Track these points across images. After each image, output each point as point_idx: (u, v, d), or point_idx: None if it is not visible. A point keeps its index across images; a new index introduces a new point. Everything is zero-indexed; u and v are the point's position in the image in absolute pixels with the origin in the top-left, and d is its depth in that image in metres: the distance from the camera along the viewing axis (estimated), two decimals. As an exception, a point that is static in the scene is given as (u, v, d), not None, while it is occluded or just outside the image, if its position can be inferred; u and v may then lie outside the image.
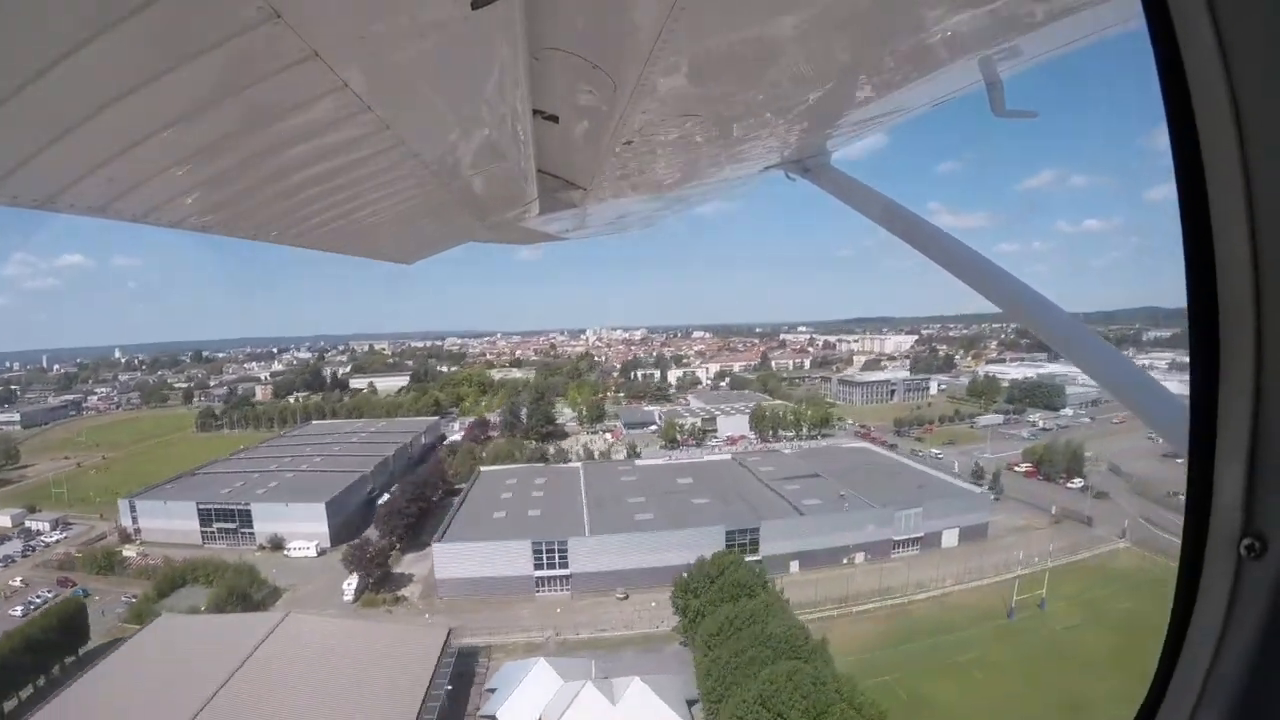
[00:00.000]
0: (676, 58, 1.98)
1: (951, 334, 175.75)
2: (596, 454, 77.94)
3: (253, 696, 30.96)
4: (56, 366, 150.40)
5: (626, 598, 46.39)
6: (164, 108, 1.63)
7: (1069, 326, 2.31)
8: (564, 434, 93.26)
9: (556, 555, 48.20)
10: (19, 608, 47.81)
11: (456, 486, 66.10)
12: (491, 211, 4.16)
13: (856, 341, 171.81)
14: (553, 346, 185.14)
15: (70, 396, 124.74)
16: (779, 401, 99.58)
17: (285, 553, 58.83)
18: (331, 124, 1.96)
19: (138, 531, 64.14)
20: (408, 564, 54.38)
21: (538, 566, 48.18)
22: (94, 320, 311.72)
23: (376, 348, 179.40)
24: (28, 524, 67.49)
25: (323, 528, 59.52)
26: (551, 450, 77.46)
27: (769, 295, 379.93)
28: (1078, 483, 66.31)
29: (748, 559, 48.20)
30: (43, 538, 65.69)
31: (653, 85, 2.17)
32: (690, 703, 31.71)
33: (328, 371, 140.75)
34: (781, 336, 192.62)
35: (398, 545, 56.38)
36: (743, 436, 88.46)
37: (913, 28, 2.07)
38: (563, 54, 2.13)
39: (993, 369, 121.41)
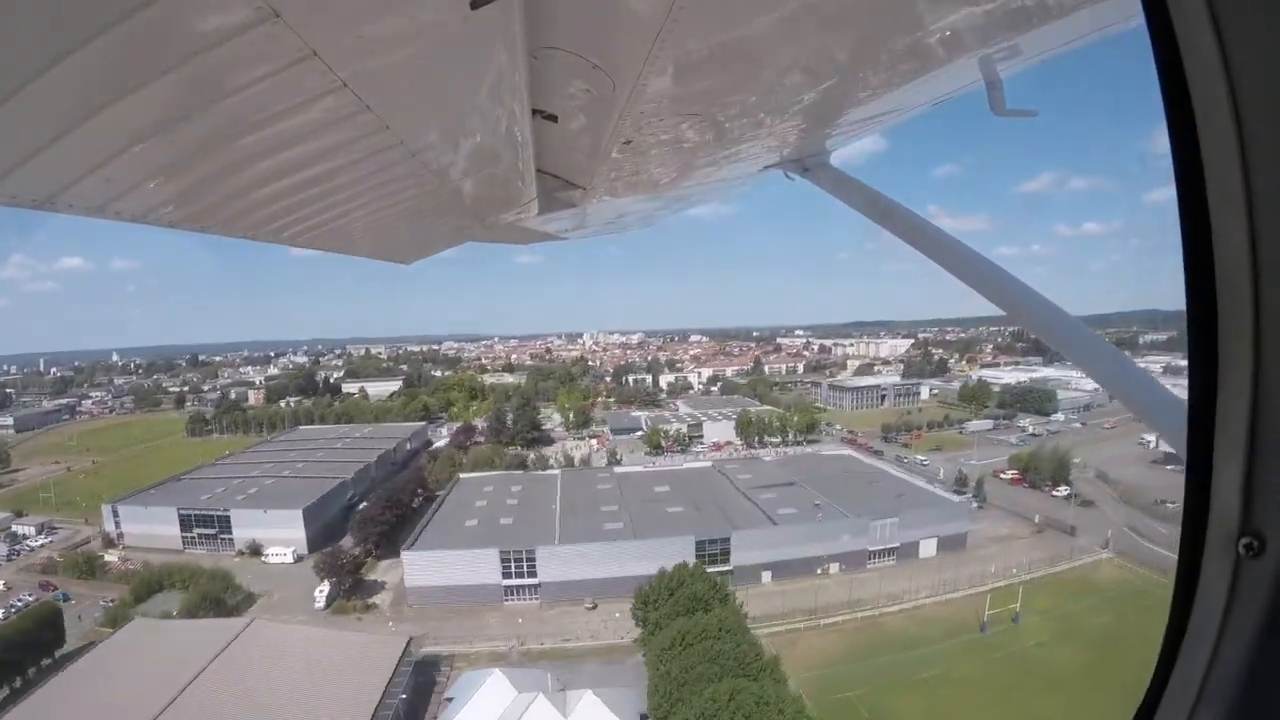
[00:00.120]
0: (676, 57, 1.97)
1: (948, 338, 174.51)
2: (577, 461, 77.57)
3: (204, 703, 31.05)
4: (53, 370, 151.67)
5: (595, 607, 45.99)
6: (163, 107, 1.62)
7: (1069, 326, 2.31)
8: (550, 440, 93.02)
9: (525, 564, 47.88)
10: (0, 611, 48.21)
11: (436, 493, 66.01)
12: (490, 211, 4.16)
13: (852, 346, 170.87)
14: (548, 350, 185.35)
15: (65, 400, 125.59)
16: (767, 407, 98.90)
17: (263, 559, 59.03)
18: (330, 124, 1.96)
19: (120, 536, 64.51)
20: (381, 571, 54.26)
21: (506, 575, 47.87)
22: (92, 323, 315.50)
23: (373, 352, 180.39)
24: (14, 528, 67.96)
25: (300, 534, 59.59)
26: (532, 457, 77.15)
27: (767, 299, 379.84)
28: (1064, 490, 65.18)
29: (719, 569, 47.86)
30: (28, 542, 66.17)
31: (652, 84, 2.17)
32: (643, 717, 31.25)
33: (322, 376, 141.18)
34: (778, 340, 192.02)
35: (374, 552, 56.38)
36: (728, 442, 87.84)
37: (912, 27, 2.06)
38: (562, 53, 2.11)
39: (986, 373, 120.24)
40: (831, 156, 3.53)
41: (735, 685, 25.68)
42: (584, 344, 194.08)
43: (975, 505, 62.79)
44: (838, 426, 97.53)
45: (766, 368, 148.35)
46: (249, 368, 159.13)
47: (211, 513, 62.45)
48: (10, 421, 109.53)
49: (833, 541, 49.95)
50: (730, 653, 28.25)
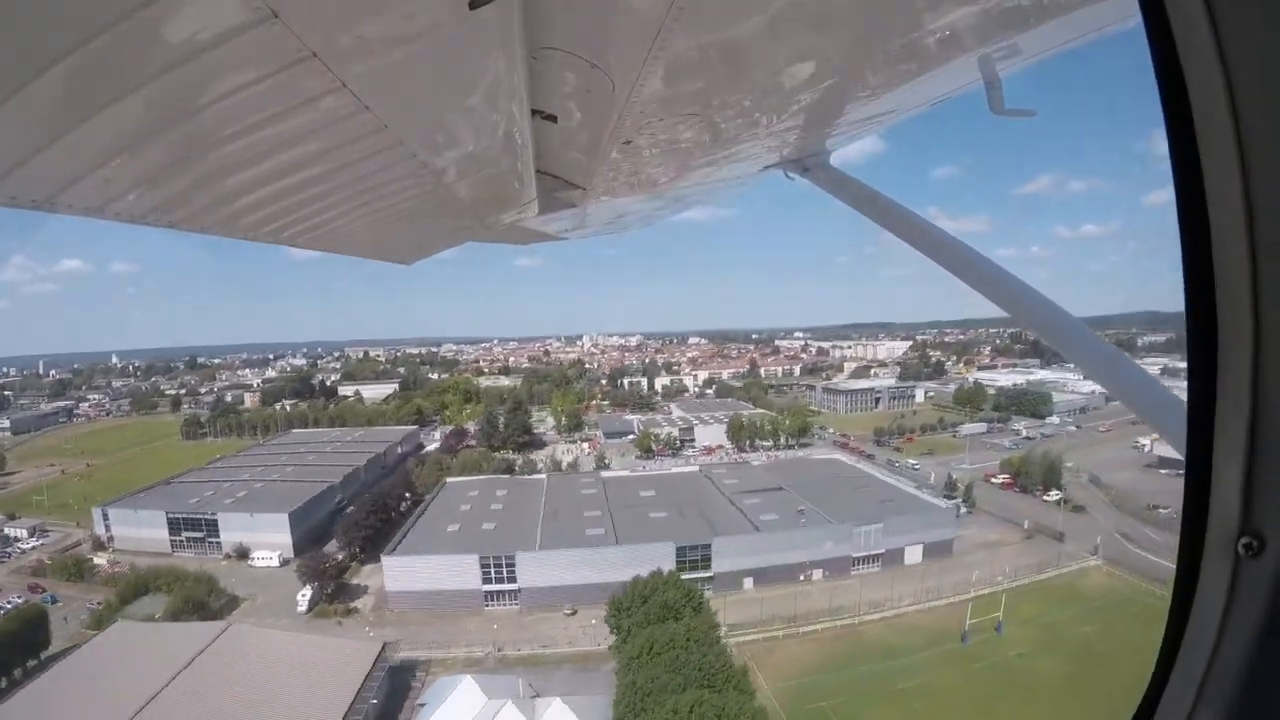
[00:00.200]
0: (675, 57, 1.97)
1: (947, 339, 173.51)
2: (565, 465, 77.35)
3: (174, 707, 31.24)
4: (53, 372, 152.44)
5: (574, 613, 45.75)
6: (162, 108, 1.62)
7: (1070, 326, 2.31)
8: (542, 443, 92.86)
9: (505, 569, 47.73)
10: (-11, 613, 48.54)
11: (423, 498, 66.01)
12: (490, 211, 4.16)
13: (849, 348, 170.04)
14: (546, 353, 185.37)
15: (62, 403, 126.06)
16: (760, 411, 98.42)
17: (249, 562, 59.18)
18: (330, 124, 1.96)
19: (110, 539, 64.87)
20: (365, 576, 54.23)
21: (486, 581, 47.74)
22: (92, 326, 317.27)
23: (371, 354, 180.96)
24: (6, 531, 68.46)
25: (286, 538, 59.71)
26: (520, 462, 76.84)
27: (767, 301, 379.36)
28: (1055, 495, 64.40)
29: (699, 576, 47.60)
30: (20, 544, 66.63)
31: (651, 85, 2.17)
32: (611, 726, 31.01)
33: (318, 379, 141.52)
34: (776, 343, 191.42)
35: (359, 556, 56.42)
36: (720, 446, 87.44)
37: (911, 26, 2.06)
38: (561, 54, 2.11)
39: (983, 376, 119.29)
40: (831, 156, 3.53)
41: (697, 697, 25.39)
42: (582, 346, 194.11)
43: (964, 510, 62.13)
44: (830, 430, 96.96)
45: (763, 370, 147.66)
46: (247, 370, 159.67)
47: (199, 516, 62.67)
48: (7, 424, 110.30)
49: (816, 548, 49.51)
50: (696, 663, 27.95)
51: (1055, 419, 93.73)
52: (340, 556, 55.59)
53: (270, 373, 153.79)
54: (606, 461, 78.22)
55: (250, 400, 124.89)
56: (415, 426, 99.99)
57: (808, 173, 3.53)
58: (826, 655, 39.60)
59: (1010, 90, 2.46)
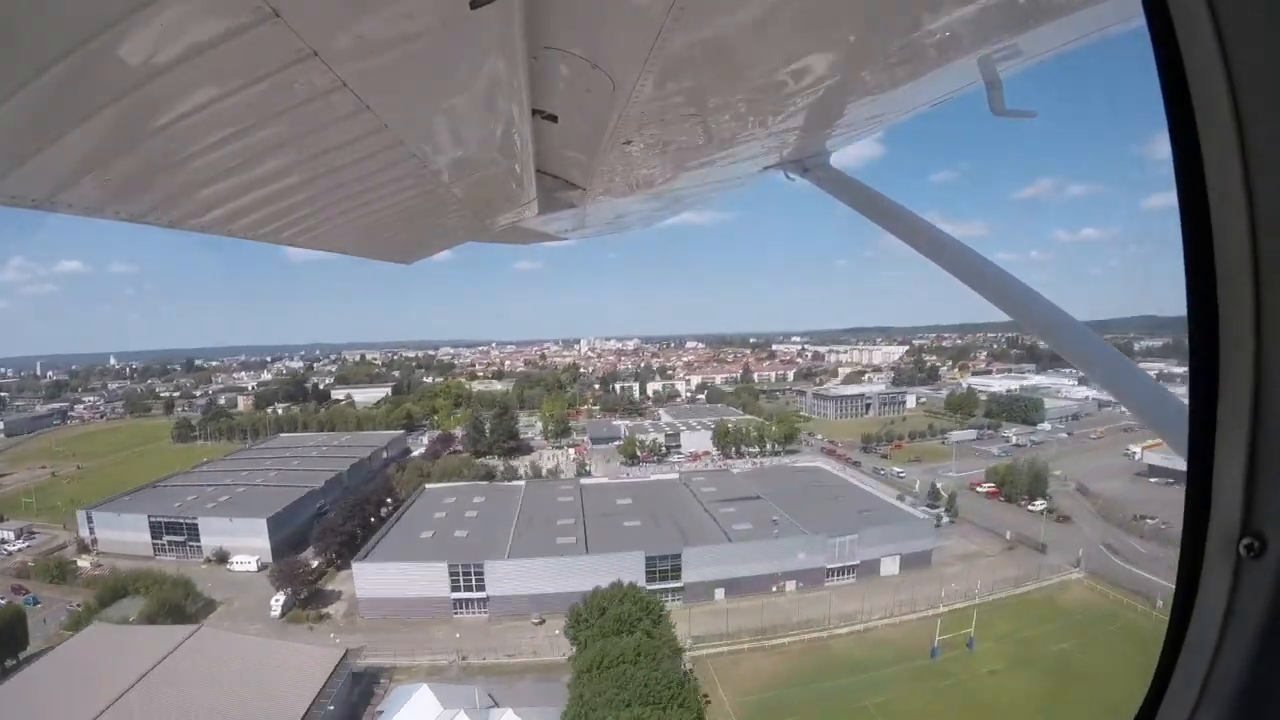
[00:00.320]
0: (676, 57, 1.98)
1: (945, 344, 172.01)
2: (546, 471, 76.99)
3: (136, 710, 31.42)
4: (50, 374, 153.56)
5: (542, 622, 45.38)
6: (162, 107, 1.63)
7: (1070, 327, 2.31)
8: (529, 449, 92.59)
9: (474, 578, 47.49)
10: (-32, 613, 49.04)
11: (403, 503, 65.98)
12: (490, 211, 4.17)
13: (846, 353, 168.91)
14: (543, 357, 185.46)
15: (57, 405, 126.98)
16: (748, 417, 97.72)
17: (228, 567, 59.46)
18: (330, 124, 1.96)
19: (94, 542, 65.36)
20: (340, 581, 54.17)
21: (455, 589, 47.49)
22: (91, 327, 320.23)
23: (368, 357, 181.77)
24: (-7, 533, 69.28)
25: (264, 543, 59.88)
26: (501, 468, 76.59)
27: (767, 305, 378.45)
28: (1040, 504, 63.34)
29: (669, 586, 47.15)
30: (6, 546, 67.26)
31: (652, 85, 2.17)
32: (559, 740, 30.60)
33: (312, 382, 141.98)
34: (773, 347, 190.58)
35: (336, 561, 56.46)
36: (706, 453, 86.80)
37: (912, 27, 2.06)
38: (562, 54, 2.12)
39: (977, 381, 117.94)
40: (831, 157, 3.54)
41: (639, 714, 24.97)
42: (580, 350, 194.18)
43: (947, 520, 61.24)
44: (819, 436, 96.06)
45: (756, 375, 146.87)
46: (243, 373, 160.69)
47: (180, 520, 63.01)
48: (1, 426, 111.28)
49: (789, 558, 48.86)
50: (642, 679, 27.49)
51: (1047, 425, 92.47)
52: (315, 562, 55.74)
53: (266, 375, 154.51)
54: (588, 468, 77.77)
55: (244, 403, 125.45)
56: (402, 431, 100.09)
57: (808, 173, 3.54)
58: (792, 669, 38.95)
59: (1010, 92, 2.46)
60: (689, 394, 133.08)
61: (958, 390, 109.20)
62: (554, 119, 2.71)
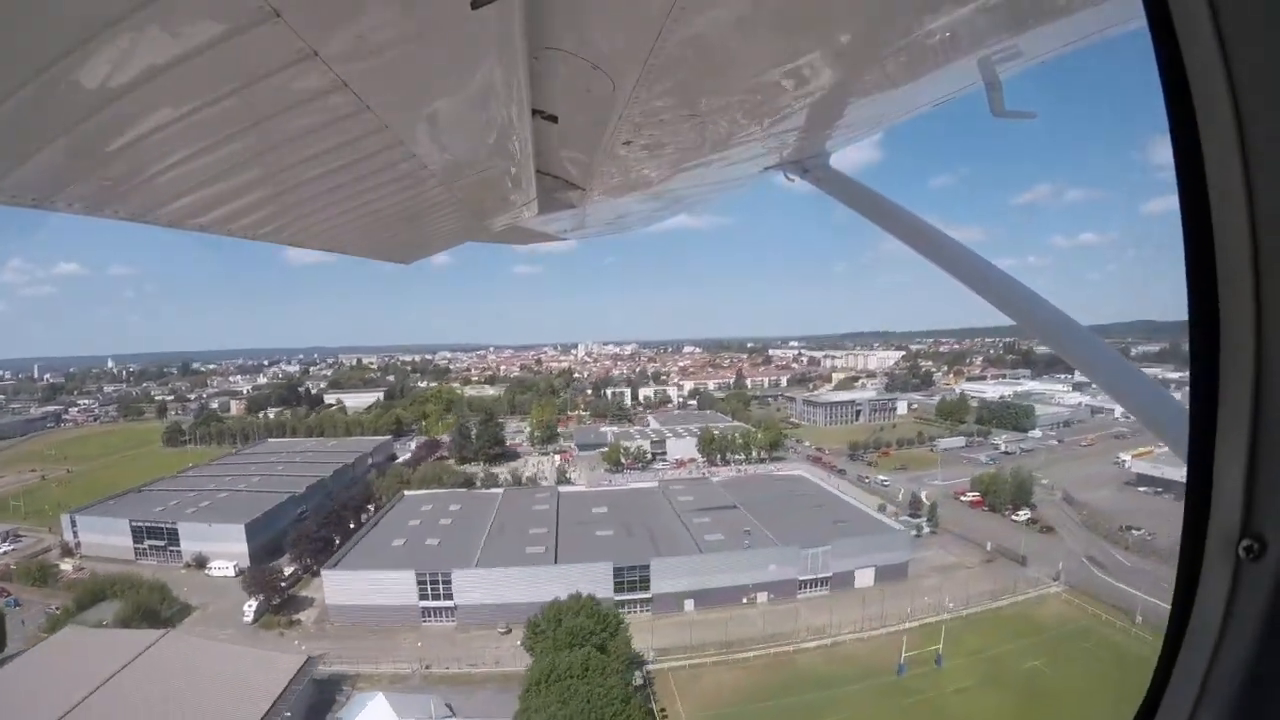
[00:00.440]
0: (676, 58, 1.98)
1: (942, 349, 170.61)
2: (526, 478, 76.68)
3: (96, 712, 31.59)
4: (46, 376, 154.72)
5: (509, 632, 45.01)
6: (162, 106, 1.63)
7: (1069, 329, 2.32)
8: (515, 455, 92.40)
9: (441, 586, 47.28)
10: (-50, 616, 49.56)
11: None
12: (490, 211, 4.19)
13: (842, 358, 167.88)
14: (539, 361, 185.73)
15: (52, 408, 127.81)
16: (736, 424, 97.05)
17: (207, 572, 59.75)
18: (330, 123, 1.96)
19: (78, 546, 65.84)
20: (315, 588, 54.01)
21: (423, 597, 47.31)
22: (90, 329, 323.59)
23: (364, 361, 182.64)
24: (-21, 535, 69.88)
25: (242, 548, 60.13)
26: (481, 475, 76.38)
27: (765, 309, 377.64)
28: (1025, 514, 62.32)
29: (637, 597, 46.71)
30: (-9, 549, 67.96)
31: (652, 85, 2.18)
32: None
33: (306, 387, 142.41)
34: (769, 352, 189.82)
35: (312, 567, 56.46)
36: (691, 460, 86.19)
37: (912, 28, 2.07)
38: (562, 54, 2.12)
39: (971, 387, 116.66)
40: (831, 158, 3.56)
41: (577, 732, 24.60)
42: (577, 355, 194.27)
43: (927, 530, 60.39)
44: (806, 443, 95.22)
45: (749, 381, 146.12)
46: (239, 377, 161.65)
47: (161, 525, 63.36)
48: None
49: (760, 570, 48.24)
50: (585, 694, 27.13)
51: (1038, 432, 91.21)
52: (290, 569, 55.79)
53: (262, 379, 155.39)
54: (568, 476, 77.41)
55: (237, 408, 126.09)
56: (389, 437, 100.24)
57: (807, 174, 3.55)
58: (754, 684, 38.31)
59: (1009, 93, 2.47)
60: (681, 400, 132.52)
61: (950, 396, 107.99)
62: (554, 119, 2.72)
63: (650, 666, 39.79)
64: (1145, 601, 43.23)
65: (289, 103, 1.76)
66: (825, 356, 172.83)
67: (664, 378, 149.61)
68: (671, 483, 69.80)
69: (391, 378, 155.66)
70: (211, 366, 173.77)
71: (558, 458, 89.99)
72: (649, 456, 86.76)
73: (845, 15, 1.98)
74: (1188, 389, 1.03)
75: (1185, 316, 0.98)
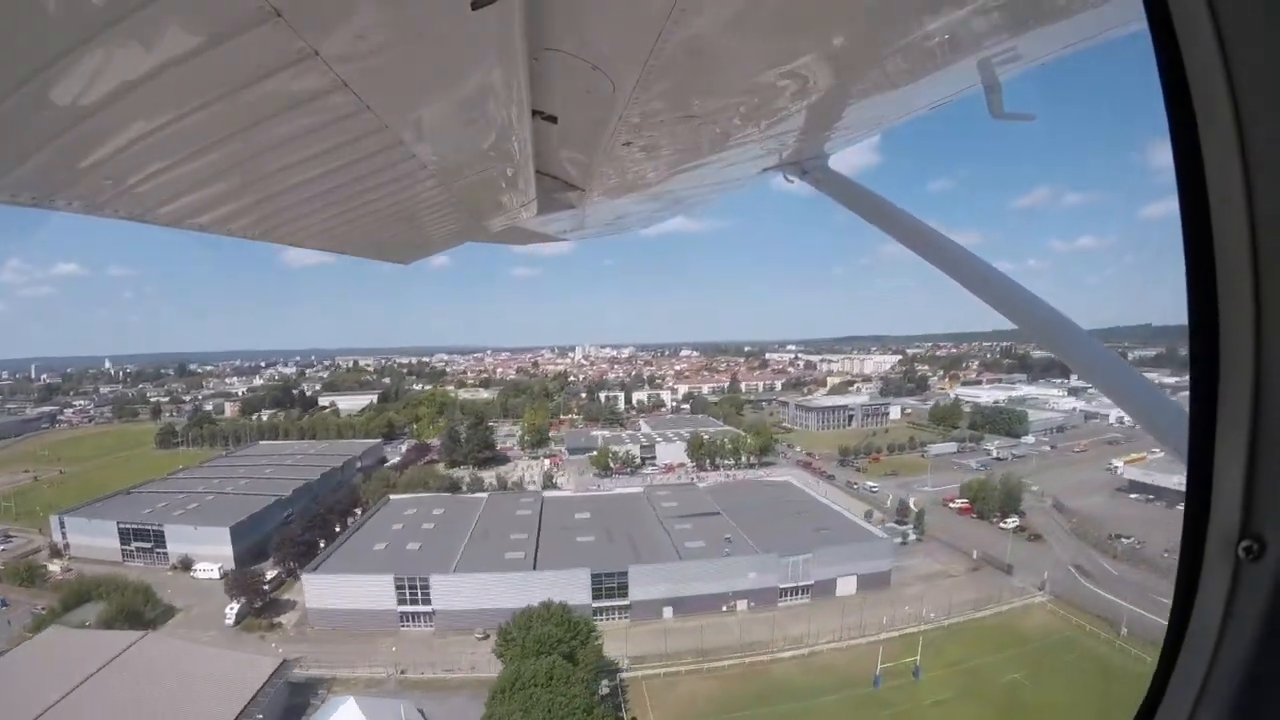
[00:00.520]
0: (675, 59, 1.99)
1: (940, 353, 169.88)
2: (511, 483, 76.41)
3: (64, 713, 31.60)
4: (44, 376, 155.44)
5: (486, 637, 44.74)
6: (163, 106, 1.64)
7: (1069, 331, 2.33)
8: (505, 459, 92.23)
9: (420, 591, 47.15)
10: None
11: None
12: (489, 212, 4.21)
13: (838, 362, 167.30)
14: (535, 364, 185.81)
15: (47, 408, 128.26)
16: (727, 428, 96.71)
17: (192, 574, 59.89)
18: (330, 123, 1.97)
19: (66, 547, 66.15)
20: (298, 591, 54.09)
21: (401, 602, 47.17)
22: (89, 330, 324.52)
23: (361, 364, 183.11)
24: (-30, 537, 70.26)
25: (228, 550, 60.25)
26: (467, 479, 76.13)
27: (763, 313, 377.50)
28: (1013, 521, 61.74)
29: (616, 604, 46.48)
30: (-19, 549, 68.28)
31: (651, 86, 2.20)
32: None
33: (300, 389, 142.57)
34: (767, 355, 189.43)
35: (296, 570, 56.49)
36: (680, 464, 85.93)
37: (912, 30, 2.07)
38: (562, 55, 2.14)
39: (966, 391, 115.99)
40: (830, 159, 3.58)
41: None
42: (574, 358, 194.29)
43: (914, 537, 59.92)
44: (798, 448, 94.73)
45: (744, 385, 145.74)
46: (235, 378, 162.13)
47: (148, 527, 63.55)
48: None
49: (739, 578, 47.90)
50: (546, 703, 26.95)
51: (1030, 438, 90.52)
52: (272, 572, 55.80)
53: (258, 381, 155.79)
54: (554, 480, 77.16)
55: (231, 410, 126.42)
56: (379, 440, 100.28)
57: (806, 175, 3.58)
58: (727, 694, 37.96)
59: (1008, 95, 2.48)
60: (675, 404, 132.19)
61: (944, 401, 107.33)
62: (554, 120, 2.73)
63: (624, 674, 39.52)
64: (1131, 612, 42.66)
65: (289, 102, 1.77)
66: (822, 361, 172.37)
67: (659, 381, 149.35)
68: (656, 488, 69.54)
69: (387, 380, 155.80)
70: (209, 368, 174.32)
71: (547, 462, 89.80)
72: (638, 461, 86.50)
73: (845, 16, 1.99)
74: (1186, 391, 1.03)
75: (1183, 321, 0.98)
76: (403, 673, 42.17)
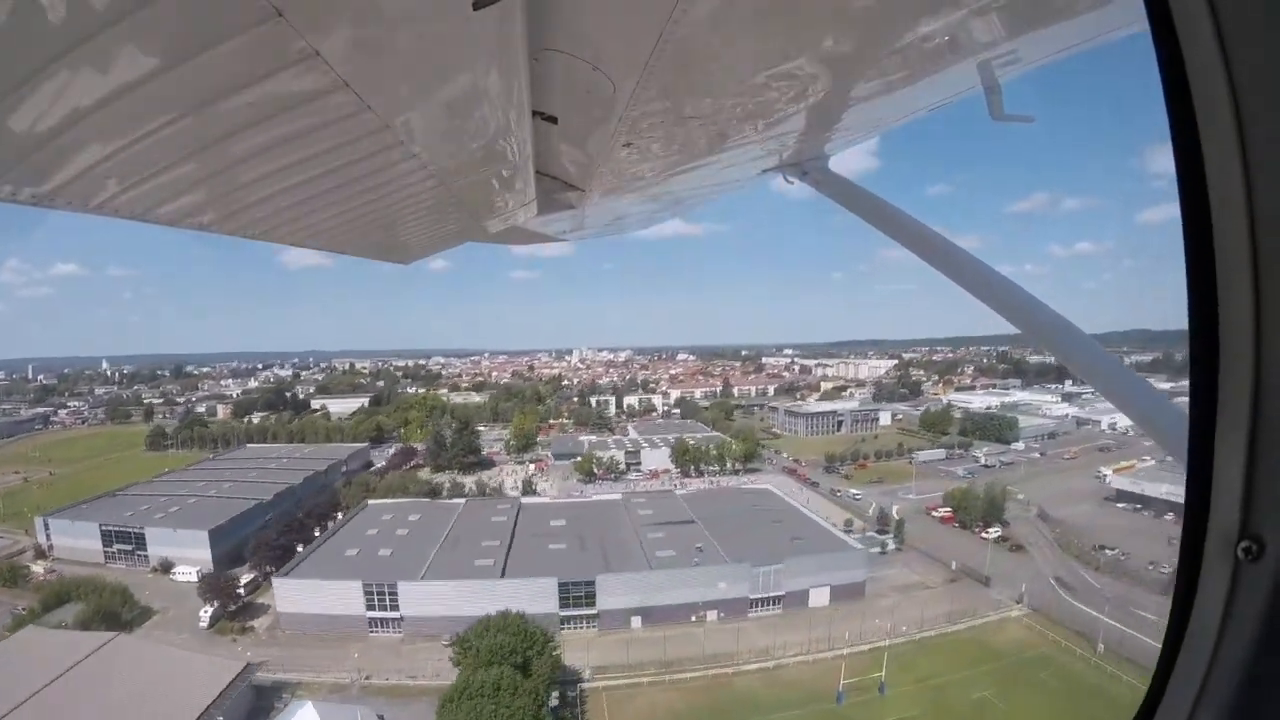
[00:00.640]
0: (676, 60, 2.00)
1: (936, 358, 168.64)
2: (489, 489, 76.23)
3: (26, 714, 31.81)
4: (40, 377, 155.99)
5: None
6: (163, 105, 1.64)
7: (1067, 333, 2.34)
8: (490, 464, 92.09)
9: (388, 598, 47.07)
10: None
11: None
12: (489, 212, 4.21)
13: (834, 366, 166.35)
14: (531, 368, 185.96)
15: (41, 409, 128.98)
16: (714, 434, 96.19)
17: (171, 576, 60.18)
18: (330, 123, 1.97)
19: (50, 548, 66.66)
20: (273, 595, 54.43)
21: (370, 608, 47.11)
22: (88, 330, 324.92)
23: (357, 366, 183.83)
24: (-43, 537, 70.85)
25: (206, 554, 60.50)
26: (448, 484, 76.13)
27: (761, 317, 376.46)
28: (995, 531, 60.89)
29: (583, 613, 46.16)
30: (-33, 551, 68.85)
31: (652, 87, 2.21)
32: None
33: (293, 392, 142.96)
34: (763, 359, 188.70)
35: (273, 574, 56.60)
36: (665, 471, 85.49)
37: (912, 31, 2.08)
38: (563, 55, 2.16)
39: (959, 397, 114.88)
40: (830, 161, 3.58)
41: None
42: (570, 361, 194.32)
43: (892, 547, 59.23)
44: (784, 454, 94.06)
45: (738, 390, 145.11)
46: (230, 380, 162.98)
47: (129, 530, 63.96)
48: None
49: (709, 588, 47.45)
50: (490, 713, 26.71)
51: (1020, 445, 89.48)
52: (248, 576, 55.92)
53: (253, 383, 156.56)
54: (534, 486, 76.95)
55: (223, 412, 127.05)
56: (366, 444, 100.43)
57: (806, 176, 3.58)
58: (687, 707, 37.50)
59: (1008, 96, 2.48)
60: (666, 408, 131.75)
61: (935, 407, 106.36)
62: (554, 120, 2.74)
63: (585, 685, 39.19)
64: (1109, 627, 41.84)
65: (290, 102, 1.76)
66: (818, 365, 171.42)
67: (653, 385, 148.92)
68: (634, 495, 69.15)
69: (381, 383, 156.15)
70: (205, 369, 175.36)
71: (532, 467, 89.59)
72: (623, 467, 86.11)
73: (845, 18, 1.98)
74: (1181, 396, 1.05)
75: (1182, 326, 0.98)
76: (367, 678, 42.12)
